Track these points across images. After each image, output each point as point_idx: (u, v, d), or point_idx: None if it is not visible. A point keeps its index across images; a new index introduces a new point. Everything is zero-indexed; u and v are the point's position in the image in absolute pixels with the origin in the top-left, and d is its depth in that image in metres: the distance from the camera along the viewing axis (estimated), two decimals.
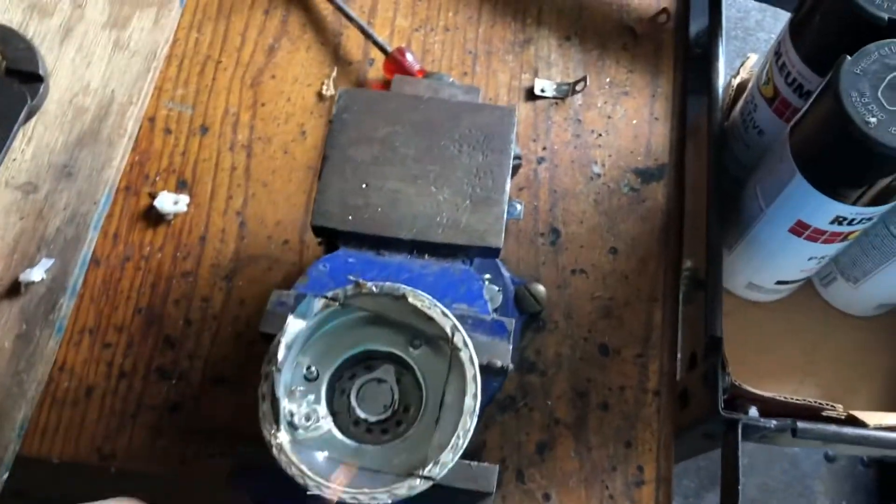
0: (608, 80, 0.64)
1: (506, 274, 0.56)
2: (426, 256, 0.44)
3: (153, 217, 0.59)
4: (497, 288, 0.49)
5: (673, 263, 0.59)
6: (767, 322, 0.65)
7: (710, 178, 0.59)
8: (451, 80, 0.59)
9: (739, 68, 0.65)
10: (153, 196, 0.59)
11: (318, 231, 0.45)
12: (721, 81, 0.63)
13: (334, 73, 0.64)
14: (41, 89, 0.60)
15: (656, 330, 0.57)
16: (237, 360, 0.56)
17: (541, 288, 0.56)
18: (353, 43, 0.66)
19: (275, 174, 0.61)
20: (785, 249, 0.56)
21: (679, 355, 0.58)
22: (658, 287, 0.58)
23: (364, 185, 0.45)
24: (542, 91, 0.63)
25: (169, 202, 0.59)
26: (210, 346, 0.56)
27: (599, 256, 0.59)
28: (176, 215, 0.59)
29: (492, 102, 0.63)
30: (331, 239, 0.46)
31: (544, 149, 0.62)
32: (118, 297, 0.57)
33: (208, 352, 0.56)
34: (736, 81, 0.65)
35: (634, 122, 0.63)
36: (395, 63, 0.61)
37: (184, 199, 0.59)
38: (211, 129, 0.62)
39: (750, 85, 0.61)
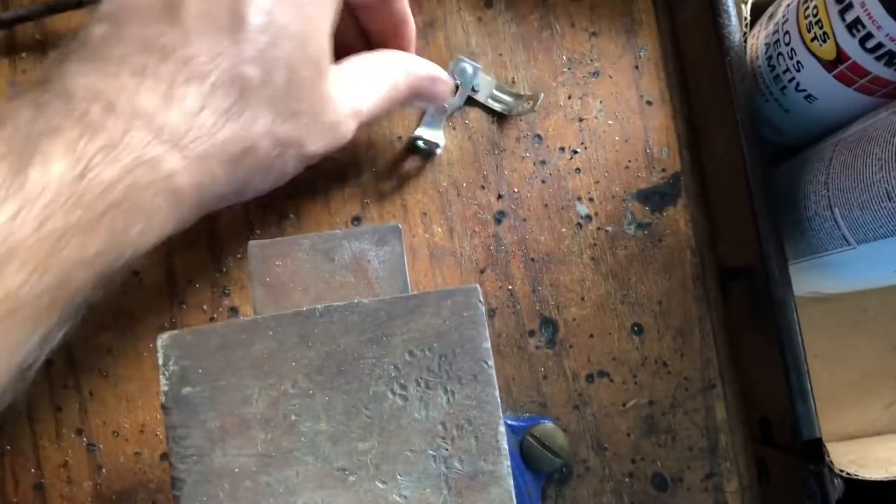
0: (565, 56, 0.42)
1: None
2: None
3: None
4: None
5: (723, 319, 0.41)
6: (836, 317, 0.48)
7: (751, 181, 0.40)
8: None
9: None
10: None
11: None
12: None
13: None
14: None
15: (722, 431, 0.40)
16: None
17: (551, 428, 0.38)
18: None
19: (112, 352, 0.39)
20: (884, 281, 0.38)
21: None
22: (712, 364, 0.40)
23: None
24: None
25: None
26: None
27: (620, 343, 0.40)
28: None
29: (401, 141, 0.41)
30: None
31: (499, 197, 0.41)
32: None
33: None
34: (748, 6, 0.43)
35: (618, 115, 0.41)
36: None
37: None
38: None
39: (780, 19, 0.40)
